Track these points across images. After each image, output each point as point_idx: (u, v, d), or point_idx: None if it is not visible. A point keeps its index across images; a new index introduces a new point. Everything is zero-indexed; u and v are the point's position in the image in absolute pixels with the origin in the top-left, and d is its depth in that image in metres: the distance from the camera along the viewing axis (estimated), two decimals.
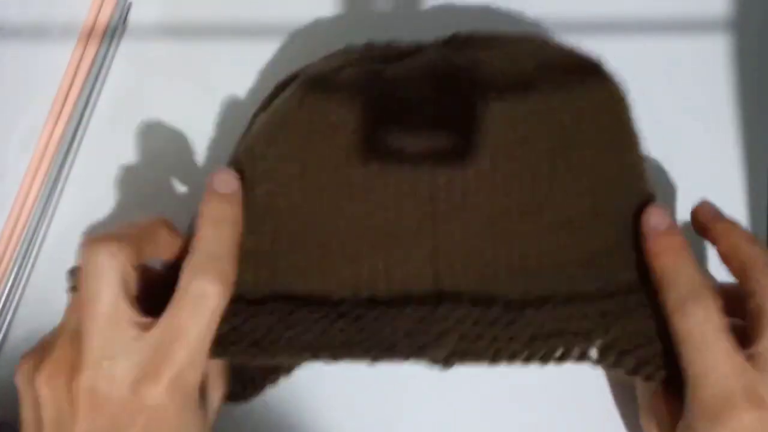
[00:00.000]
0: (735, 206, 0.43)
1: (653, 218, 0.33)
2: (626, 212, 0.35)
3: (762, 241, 0.35)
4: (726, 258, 0.33)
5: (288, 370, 0.39)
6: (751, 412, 0.29)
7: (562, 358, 0.33)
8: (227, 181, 0.33)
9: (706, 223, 0.34)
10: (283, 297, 0.34)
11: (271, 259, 0.34)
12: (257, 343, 0.32)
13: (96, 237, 0.31)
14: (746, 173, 0.43)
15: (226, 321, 0.32)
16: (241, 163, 0.35)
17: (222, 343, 0.32)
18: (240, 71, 0.45)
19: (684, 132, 0.43)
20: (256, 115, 0.38)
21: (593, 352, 0.33)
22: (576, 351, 0.33)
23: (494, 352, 0.32)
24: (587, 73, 0.37)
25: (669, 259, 0.32)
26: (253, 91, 0.44)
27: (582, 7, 0.45)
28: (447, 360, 0.32)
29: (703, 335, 0.30)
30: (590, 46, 0.44)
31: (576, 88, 0.36)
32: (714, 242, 0.34)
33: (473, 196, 0.34)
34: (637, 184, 0.36)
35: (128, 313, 0.30)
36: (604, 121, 0.36)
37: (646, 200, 0.35)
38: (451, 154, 0.34)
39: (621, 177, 0.36)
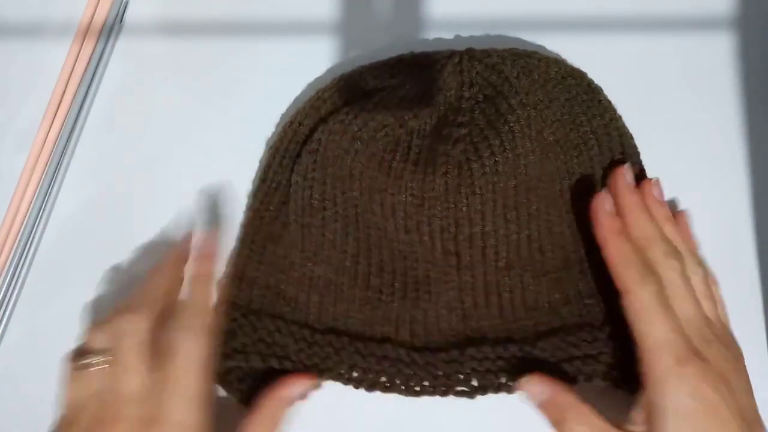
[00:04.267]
0: (740, 205, 0.42)
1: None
2: None
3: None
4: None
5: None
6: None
7: (574, 380, 0.37)
8: (206, 243, 0.40)
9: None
10: (337, 330, 0.39)
11: (336, 288, 0.40)
12: (316, 365, 0.38)
13: (127, 307, 0.36)
14: (751, 172, 0.43)
15: (296, 343, 0.39)
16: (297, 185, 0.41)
17: (292, 362, 0.38)
18: (236, 69, 0.44)
19: (688, 130, 0.43)
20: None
21: (600, 372, 0.37)
22: (586, 372, 0.37)
23: (514, 381, 0.37)
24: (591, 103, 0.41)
25: (610, 250, 0.37)
26: (249, 89, 0.44)
27: (585, 6, 0.44)
28: (474, 392, 0.38)
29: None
30: (593, 45, 0.44)
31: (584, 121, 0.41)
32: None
33: (491, 247, 0.39)
34: None
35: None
36: (603, 149, 0.41)
37: None
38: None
39: None
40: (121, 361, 0.34)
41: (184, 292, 0.39)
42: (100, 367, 0.35)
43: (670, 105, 0.43)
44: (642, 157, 0.41)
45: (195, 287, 0.38)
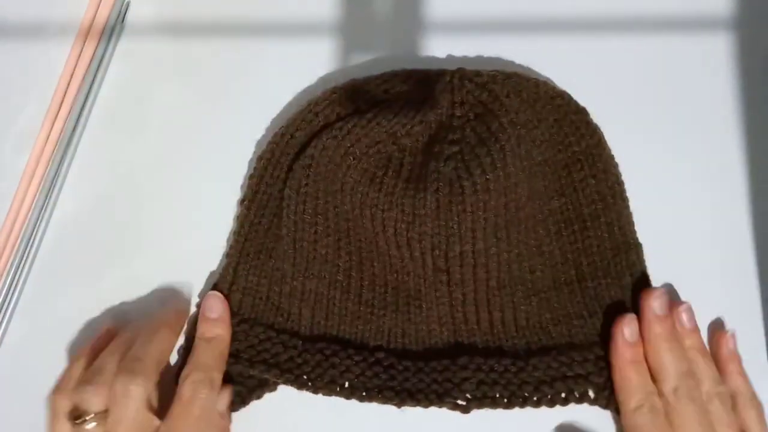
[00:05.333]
0: (740, 205, 0.42)
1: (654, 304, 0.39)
2: (618, 267, 0.40)
3: None
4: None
5: (274, 386, 0.41)
6: None
7: (566, 400, 0.38)
8: (214, 307, 0.40)
9: (724, 357, 0.39)
10: (330, 337, 0.40)
11: (328, 302, 0.41)
12: (306, 374, 0.39)
13: (128, 369, 0.37)
14: (751, 172, 0.43)
15: (285, 351, 0.39)
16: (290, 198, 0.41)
17: (280, 370, 0.39)
18: (237, 70, 0.44)
19: (687, 130, 0.43)
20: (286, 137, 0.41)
21: (591, 393, 0.38)
22: (578, 392, 0.38)
23: (509, 396, 0.38)
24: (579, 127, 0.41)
25: (617, 375, 0.38)
26: (250, 89, 0.44)
27: (585, 7, 0.44)
28: (467, 404, 0.38)
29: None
30: (593, 45, 0.44)
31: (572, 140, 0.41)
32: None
33: (481, 266, 0.39)
34: (628, 241, 0.40)
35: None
36: (594, 171, 0.40)
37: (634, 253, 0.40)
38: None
39: (614, 234, 0.40)
40: (120, 423, 0.36)
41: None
42: (96, 429, 0.36)
43: (670, 105, 0.43)
44: (642, 157, 0.41)
45: (202, 346, 0.39)
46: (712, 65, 0.44)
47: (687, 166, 0.43)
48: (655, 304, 0.38)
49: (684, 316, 0.39)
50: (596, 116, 0.41)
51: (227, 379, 0.40)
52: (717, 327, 0.41)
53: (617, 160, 0.41)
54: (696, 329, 0.39)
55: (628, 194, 0.41)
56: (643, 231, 0.40)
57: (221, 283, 0.41)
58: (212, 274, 0.42)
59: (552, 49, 0.43)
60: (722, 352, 0.39)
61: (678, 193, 0.42)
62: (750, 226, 0.42)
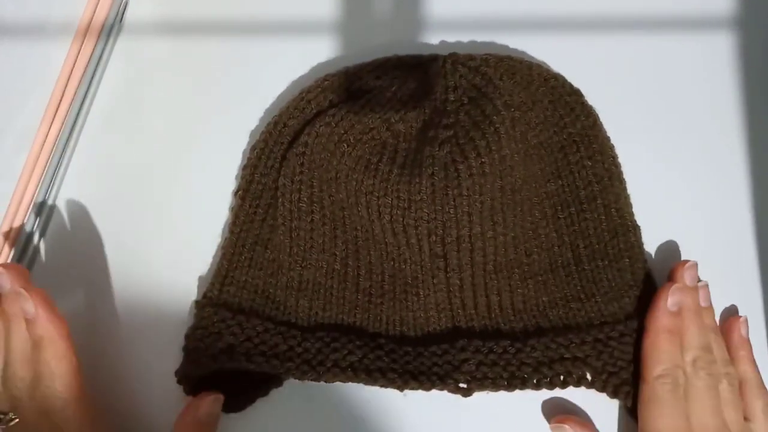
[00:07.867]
0: (740, 205, 0.42)
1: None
2: (615, 250, 0.40)
3: None
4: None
5: (279, 381, 0.41)
6: None
7: (565, 383, 0.38)
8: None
9: (735, 341, 0.39)
10: (329, 325, 0.40)
11: (326, 291, 0.40)
12: (308, 361, 0.38)
13: None
14: (751, 172, 0.43)
15: (285, 342, 0.38)
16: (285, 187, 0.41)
17: (280, 360, 0.38)
18: (236, 69, 0.45)
19: (688, 130, 0.43)
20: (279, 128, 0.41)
21: (588, 377, 0.38)
22: (576, 375, 0.38)
23: (508, 377, 0.37)
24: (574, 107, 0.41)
25: (649, 342, 0.38)
26: (248, 88, 0.44)
27: (586, 6, 0.44)
28: (468, 385, 0.37)
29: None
30: (593, 45, 0.44)
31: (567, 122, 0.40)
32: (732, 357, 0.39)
33: (478, 250, 0.39)
34: (626, 223, 0.40)
35: None
36: (590, 152, 0.40)
37: (634, 235, 0.40)
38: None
39: (611, 217, 0.40)
40: None
41: None
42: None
43: (670, 105, 0.43)
44: (642, 156, 0.41)
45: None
46: (714, 65, 0.44)
47: (687, 165, 0.43)
48: (686, 275, 0.39)
49: (701, 293, 0.39)
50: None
51: (230, 376, 0.39)
52: (730, 313, 0.41)
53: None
54: (711, 308, 0.40)
55: (630, 194, 0.41)
56: (644, 225, 0.40)
57: (216, 275, 0.41)
58: (209, 266, 0.42)
59: (554, 49, 0.43)
60: (734, 336, 0.39)
61: (678, 193, 0.42)
62: (752, 225, 0.42)
